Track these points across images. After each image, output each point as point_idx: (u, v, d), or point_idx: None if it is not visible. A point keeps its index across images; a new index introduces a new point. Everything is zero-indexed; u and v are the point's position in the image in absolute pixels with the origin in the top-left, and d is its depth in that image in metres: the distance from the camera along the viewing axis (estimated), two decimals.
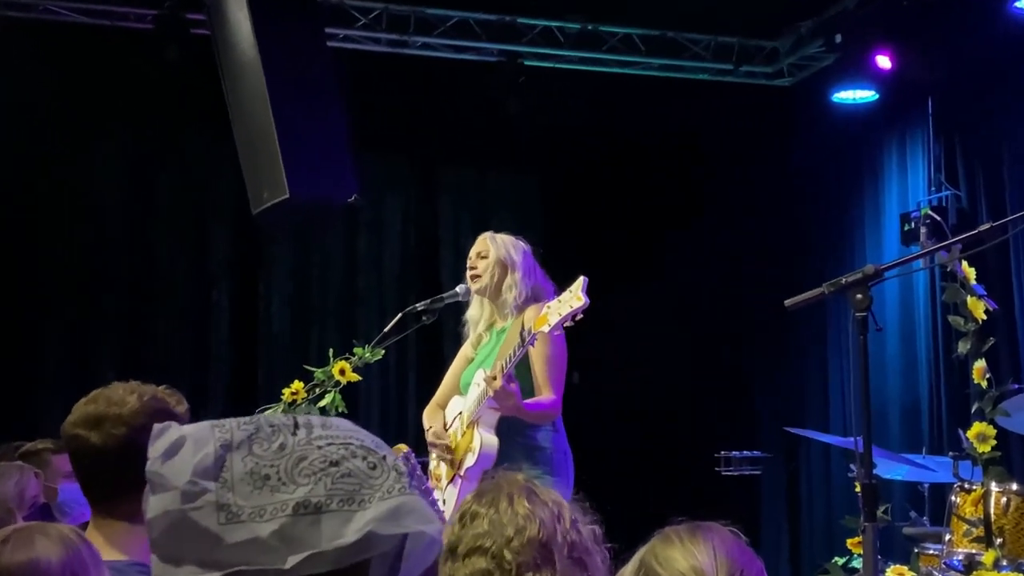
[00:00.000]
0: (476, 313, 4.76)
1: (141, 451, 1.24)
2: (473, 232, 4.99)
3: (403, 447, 4.50)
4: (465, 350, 4.82)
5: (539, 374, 4.42)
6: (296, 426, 1.20)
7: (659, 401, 8.40)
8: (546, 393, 4.43)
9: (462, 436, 4.52)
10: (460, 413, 4.60)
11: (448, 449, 4.55)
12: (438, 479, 4.59)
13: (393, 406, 8.61)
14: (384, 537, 1.15)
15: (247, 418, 1.21)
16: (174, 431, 1.19)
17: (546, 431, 4.48)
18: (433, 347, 7.96)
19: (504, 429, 4.43)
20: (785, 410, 8.62)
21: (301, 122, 6.18)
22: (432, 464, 4.67)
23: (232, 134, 6.47)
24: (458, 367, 4.83)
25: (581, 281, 4.04)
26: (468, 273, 4.71)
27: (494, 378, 4.21)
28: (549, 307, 4.12)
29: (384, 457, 1.19)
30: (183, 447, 1.17)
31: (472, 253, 4.72)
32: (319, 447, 1.18)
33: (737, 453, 8.09)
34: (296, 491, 1.15)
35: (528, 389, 4.41)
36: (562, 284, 4.33)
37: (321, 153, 6.24)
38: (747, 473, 8.07)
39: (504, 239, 4.70)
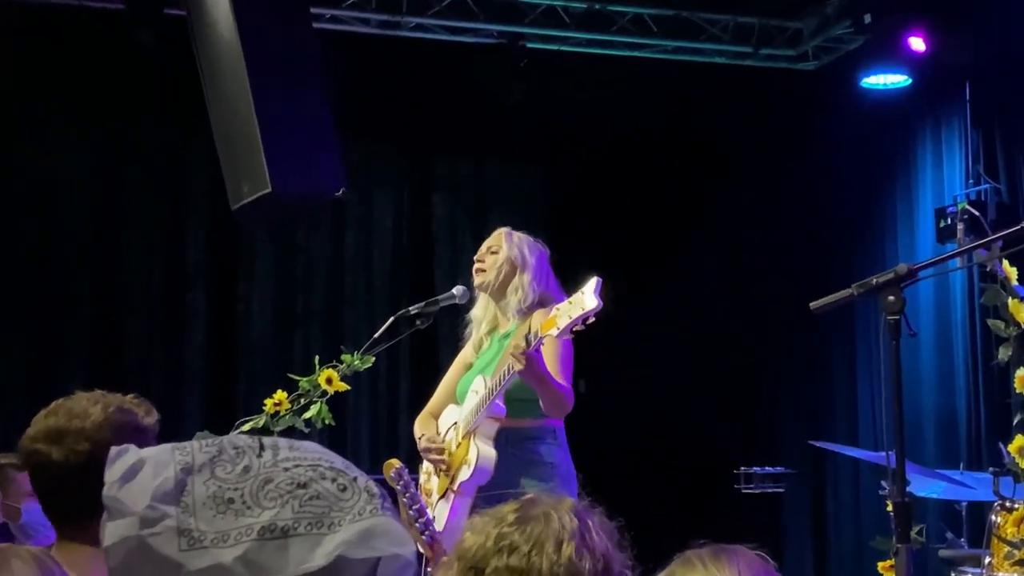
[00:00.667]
0: (480, 313, 4.75)
1: None
2: (470, 229, 5.00)
3: (395, 462, 4.49)
4: (465, 353, 4.80)
5: (549, 371, 4.39)
6: (262, 448, 1.20)
7: (673, 412, 8.39)
8: None
9: (457, 447, 4.50)
10: (455, 423, 4.58)
11: (442, 452, 4.53)
12: (428, 494, 4.58)
13: (384, 418, 8.61)
14: (355, 561, 1.16)
15: (210, 440, 1.22)
16: (132, 454, 1.19)
17: (549, 445, 4.47)
18: (427, 353, 7.96)
19: (504, 442, 4.42)
20: (810, 422, 8.62)
21: (284, 110, 6.18)
22: (423, 479, 4.66)
23: (209, 123, 6.46)
24: (455, 373, 4.81)
25: (594, 282, 4.01)
26: (474, 267, 4.70)
27: (524, 347, 4.14)
28: (558, 309, 4.09)
29: (355, 479, 1.19)
30: (142, 470, 1.18)
31: (483, 247, 4.72)
32: (286, 469, 1.18)
33: (758, 469, 8.09)
34: (261, 515, 1.15)
35: (529, 397, 4.39)
36: (568, 288, 4.32)
37: (306, 144, 6.23)
38: (769, 491, 8.07)
39: (521, 238, 4.70)
